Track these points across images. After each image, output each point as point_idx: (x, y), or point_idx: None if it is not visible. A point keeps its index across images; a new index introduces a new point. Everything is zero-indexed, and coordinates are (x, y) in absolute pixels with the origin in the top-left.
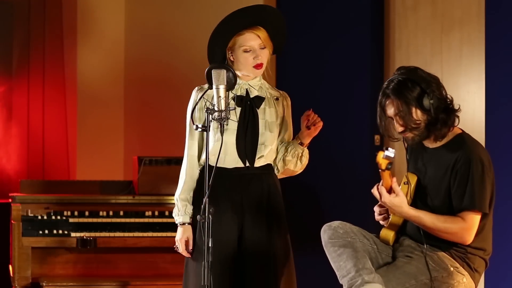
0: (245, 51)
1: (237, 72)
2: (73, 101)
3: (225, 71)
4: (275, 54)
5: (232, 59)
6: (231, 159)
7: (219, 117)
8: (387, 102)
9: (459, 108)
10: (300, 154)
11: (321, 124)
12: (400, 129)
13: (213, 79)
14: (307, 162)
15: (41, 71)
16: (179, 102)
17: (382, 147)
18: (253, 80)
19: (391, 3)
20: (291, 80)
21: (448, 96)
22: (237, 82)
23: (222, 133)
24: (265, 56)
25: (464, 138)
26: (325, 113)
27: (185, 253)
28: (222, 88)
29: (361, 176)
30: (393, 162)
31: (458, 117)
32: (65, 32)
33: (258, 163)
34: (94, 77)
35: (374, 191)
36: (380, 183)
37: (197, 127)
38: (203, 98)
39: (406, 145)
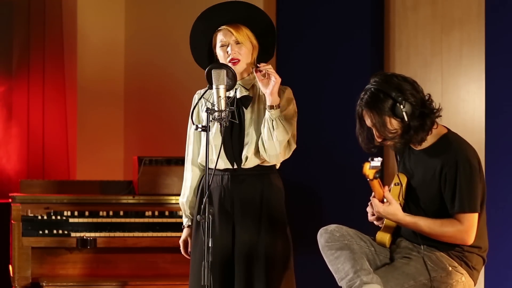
0: (221, 46)
1: None
2: (73, 101)
3: (225, 71)
4: (269, 55)
5: (217, 58)
6: (220, 161)
7: (219, 117)
8: (363, 113)
9: (438, 108)
10: (271, 120)
11: (272, 78)
12: (379, 139)
13: (213, 79)
14: (286, 133)
15: (41, 71)
16: (179, 102)
17: (383, 148)
18: (244, 79)
19: (391, 3)
20: (291, 81)
21: (427, 98)
22: None
23: (222, 133)
24: (242, 52)
25: (449, 139)
26: (326, 113)
27: (184, 254)
28: (222, 88)
29: (362, 176)
30: (381, 170)
31: (436, 117)
32: (65, 32)
33: (248, 164)
34: (94, 77)
35: (369, 207)
36: (372, 195)
37: (197, 127)
38: (203, 98)
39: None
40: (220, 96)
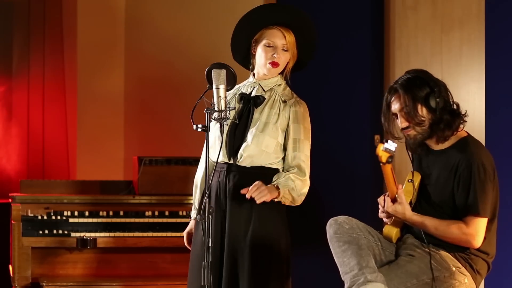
0: (267, 45)
1: (256, 70)
2: (73, 101)
3: (225, 71)
4: (298, 70)
5: (254, 52)
6: (220, 154)
7: (218, 117)
8: (393, 97)
9: (465, 113)
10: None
11: (257, 197)
12: (404, 124)
13: (213, 79)
14: (300, 197)
15: (41, 71)
16: (180, 102)
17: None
18: (266, 80)
19: (391, 3)
20: (291, 80)
21: (456, 102)
22: (250, 79)
23: (222, 133)
24: (284, 58)
25: (468, 142)
26: (326, 113)
27: (187, 246)
28: (222, 88)
29: (361, 176)
30: (394, 156)
31: (464, 122)
32: (65, 32)
33: (244, 162)
34: (94, 77)
35: (380, 200)
36: (386, 194)
37: (197, 127)
38: (203, 98)
39: (409, 152)
40: (220, 96)
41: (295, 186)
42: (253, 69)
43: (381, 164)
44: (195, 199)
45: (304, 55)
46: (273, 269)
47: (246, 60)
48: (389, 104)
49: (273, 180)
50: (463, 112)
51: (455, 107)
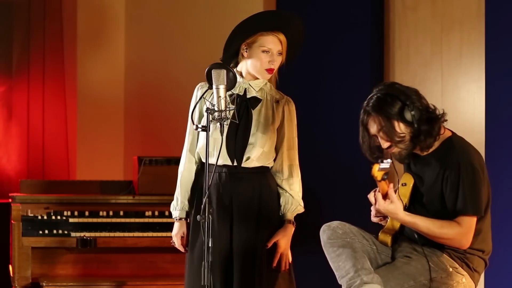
0: (264, 51)
1: (243, 70)
2: (73, 101)
3: (225, 71)
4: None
5: (245, 55)
6: (220, 156)
7: (219, 117)
8: (369, 120)
9: (443, 114)
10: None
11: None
12: (386, 144)
13: (213, 79)
14: (301, 200)
15: (41, 71)
16: (180, 101)
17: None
18: (255, 81)
19: (391, 3)
20: (290, 81)
21: (430, 105)
22: (238, 80)
23: (222, 133)
24: (278, 62)
25: (452, 142)
26: (325, 114)
27: (181, 248)
28: (222, 88)
29: (361, 177)
30: (389, 172)
31: (444, 121)
32: (65, 32)
33: (248, 164)
34: (94, 77)
35: (370, 196)
36: (377, 190)
37: (197, 127)
38: (204, 98)
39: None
40: (220, 96)
41: (294, 197)
42: (235, 66)
43: (376, 181)
44: (184, 199)
45: (290, 54)
46: (285, 270)
47: (230, 58)
48: (366, 126)
49: (281, 213)
50: (440, 113)
51: (431, 110)
